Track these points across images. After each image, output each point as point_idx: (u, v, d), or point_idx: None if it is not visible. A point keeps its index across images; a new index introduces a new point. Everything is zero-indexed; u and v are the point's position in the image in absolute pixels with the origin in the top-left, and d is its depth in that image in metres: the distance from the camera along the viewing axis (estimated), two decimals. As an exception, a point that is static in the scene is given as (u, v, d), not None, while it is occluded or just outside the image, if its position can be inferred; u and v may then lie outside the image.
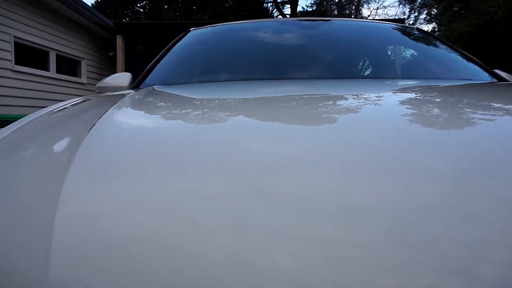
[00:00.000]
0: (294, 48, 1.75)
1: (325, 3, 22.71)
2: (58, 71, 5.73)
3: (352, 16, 21.77)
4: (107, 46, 7.05)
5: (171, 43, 1.89)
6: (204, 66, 1.72)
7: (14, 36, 4.76)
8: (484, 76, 1.41)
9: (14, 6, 4.72)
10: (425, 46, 1.76)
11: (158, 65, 1.67)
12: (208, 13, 16.77)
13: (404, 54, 1.88)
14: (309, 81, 1.31)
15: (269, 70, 1.60)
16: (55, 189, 0.40)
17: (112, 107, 0.77)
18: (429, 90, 1.03)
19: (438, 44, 1.73)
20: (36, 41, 5.22)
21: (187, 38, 1.92)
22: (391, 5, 34.27)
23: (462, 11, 9.07)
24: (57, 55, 5.72)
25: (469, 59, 1.57)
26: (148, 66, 1.69)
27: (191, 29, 2.04)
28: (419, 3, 20.43)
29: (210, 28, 2.08)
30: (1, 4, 4.50)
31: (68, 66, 6.21)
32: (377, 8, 23.54)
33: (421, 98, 0.89)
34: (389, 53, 1.81)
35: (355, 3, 22.73)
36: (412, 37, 1.84)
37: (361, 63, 1.79)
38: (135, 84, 1.54)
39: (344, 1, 22.24)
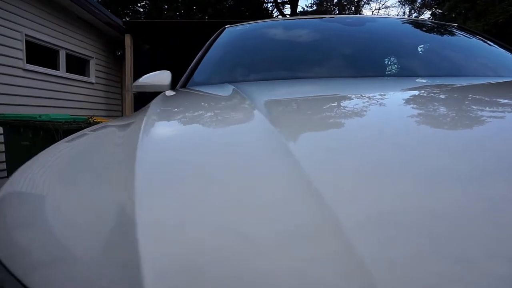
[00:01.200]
0: (344, 46, 1.70)
1: (325, 3, 22.71)
2: (67, 70, 5.63)
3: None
4: (115, 45, 6.96)
5: (210, 40, 1.83)
6: (250, 65, 1.66)
7: (26, 35, 4.66)
8: None
9: (25, 3, 4.63)
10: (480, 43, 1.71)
11: (202, 63, 1.61)
12: (209, 13, 16.70)
13: (456, 52, 1.82)
14: (364, 79, 1.25)
15: (320, 68, 1.55)
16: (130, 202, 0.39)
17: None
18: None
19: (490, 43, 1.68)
20: (46, 39, 5.12)
21: (225, 36, 1.87)
22: (392, 6, 34.37)
23: (469, 13, 9.06)
24: (66, 54, 5.62)
25: None
26: (192, 65, 1.62)
27: (226, 26, 1.99)
28: (419, 3, 20.46)
29: (248, 25, 2.03)
30: (12, 2, 4.40)
31: (77, 65, 6.12)
32: (379, 9, 23.55)
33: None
34: (440, 51, 1.74)
35: (355, 3, 22.75)
36: (459, 35, 1.79)
37: (410, 61, 1.72)
38: (182, 84, 1.48)
39: (344, 1, 22.25)
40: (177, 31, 6.62)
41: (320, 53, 1.63)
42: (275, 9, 19.55)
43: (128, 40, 6.36)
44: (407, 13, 20.65)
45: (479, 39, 1.72)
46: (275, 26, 1.98)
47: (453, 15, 9.50)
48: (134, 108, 6.42)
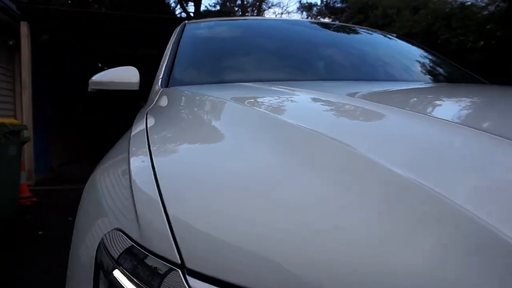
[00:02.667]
0: (313, 49, 1.77)
1: (228, 3, 23.04)
2: None
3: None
4: (6, 33, 5.97)
5: (175, 37, 1.73)
6: (229, 65, 1.63)
7: None
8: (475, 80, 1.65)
9: None
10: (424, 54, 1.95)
11: (179, 61, 1.52)
12: (106, 5, 15.48)
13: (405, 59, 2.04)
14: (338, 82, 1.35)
15: (311, 69, 1.60)
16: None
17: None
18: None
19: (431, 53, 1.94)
20: None
21: (191, 33, 1.80)
22: (293, 12, 36.59)
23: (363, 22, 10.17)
24: None
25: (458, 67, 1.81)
26: (166, 62, 1.52)
27: (186, 22, 1.92)
28: (315, 10, 22.20)
29: (212, 23, 2.01)
30: None
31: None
32: (282, 13, 24.75)
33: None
34: (392, 57, 1.93)
35: (257, 6, 23.60)
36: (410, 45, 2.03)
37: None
38: (164, 82, 1.38)
39: (247, 3, 22.87)
40: (89, 22, 5.96)
41: (303, 54, 1.68)
42: (178, 5, 19.07)
43: (24, 28, 5.53)
44: (305, 18, 22.20)
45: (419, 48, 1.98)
46: (245, 25, 2.00)
47: (350, 24, 10.58)
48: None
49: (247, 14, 23.33)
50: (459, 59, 1.91)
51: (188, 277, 0.36)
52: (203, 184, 0.48)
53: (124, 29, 5.89)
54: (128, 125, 1.02)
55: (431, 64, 1.84)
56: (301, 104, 0.86)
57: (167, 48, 1.65)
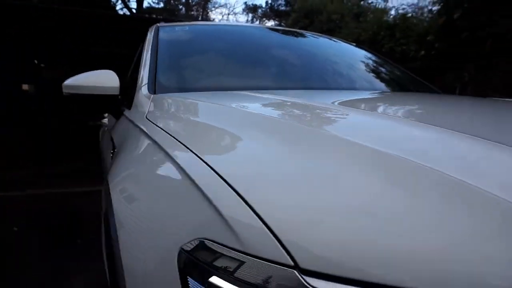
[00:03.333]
0: (279, 57, 1.85)
1: (172, 1, 22.54)
2: None
3: (200, 18, 22.29)
4: None
5: (151, 41, 1.71)
6: (216, 72, 1.65)
7: None
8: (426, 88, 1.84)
9: None
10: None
11: (162, 66, 1.50)
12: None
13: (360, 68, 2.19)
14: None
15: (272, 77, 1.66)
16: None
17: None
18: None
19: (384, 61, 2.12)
20: None
21: (169, 37, 1.79)
22: (240, 13, 36.68)
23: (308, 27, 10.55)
24: None
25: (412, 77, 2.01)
26: (148, 68, 1.48)
27: (158, 24, 1.90)
28: (260, 13, 22.53)
29: (187, 27, 2.01)
30: None
31: None
32: (228, 14, 24.71)
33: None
34: (348, 65, 2.05)
35: (202, 5, 23.35)
36: (365, 55, 2.18)
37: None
38: (151, 88, 1.35)
39: (192, 2, 22.54)
40: (21, 15, 5.50)
41: (280, 63, 1.75)
42: (120, 1, 18.24)
43: None
44: (249, 20, 22.43)
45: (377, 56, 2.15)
46: (223, 31, 2.04)
47: (296, 28, 10.93)
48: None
49: (191, 13, 22.97)
50: (402, 67, 2.12)
51: (306, 277, 0.38)
52: (278, 183, 0.49)
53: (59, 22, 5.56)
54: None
55: (393, 74, 2.01)
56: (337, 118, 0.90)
57: (144, 51, 1.63)
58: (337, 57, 1.95)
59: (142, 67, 1.49)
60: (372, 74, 1.91)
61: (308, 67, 1.79)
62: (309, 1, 10.78)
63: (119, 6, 18.46)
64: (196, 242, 0.47)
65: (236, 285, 0.41)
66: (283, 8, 20.41)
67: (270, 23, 20.08)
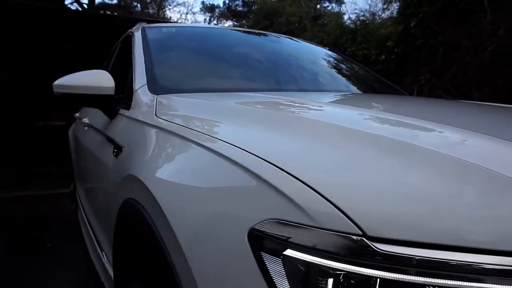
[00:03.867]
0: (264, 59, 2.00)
1: (126, -2, 21.79)
2: None
3: (154, 16, 21.78)
4: None
5: (140, 41, 1.74)
6: (210, 73, 1.73)
7: None
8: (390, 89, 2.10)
9: None
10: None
11: (158, 66, 1.54)
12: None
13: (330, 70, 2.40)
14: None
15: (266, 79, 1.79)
16: None
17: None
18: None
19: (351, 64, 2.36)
20: None
21: (159, 38, 1.85)
22: (198, 12, 36.11)
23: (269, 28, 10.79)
24: None
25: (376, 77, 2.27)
26: (143, 69, 1.51)
27: (142, 24, 1.94)
28: (218, 12, 22.46)
29: (174, 28, 2.07)
30: None
31: None
32: (187, 13, 24.32)
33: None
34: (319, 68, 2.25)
35: (158, 2, 22.84)
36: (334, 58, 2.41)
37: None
38: (151, 88, 1.39)
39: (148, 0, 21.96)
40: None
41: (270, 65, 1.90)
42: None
43: None
44: (207, 20, 22.31)
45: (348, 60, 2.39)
46: (211, 34, 2.16)
47: (257, 29, 11.14)
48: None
49: (147, 10, 22.38)
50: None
51: (373, 243, 0.46)
52: (325, 162, 0.61)
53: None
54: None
55: (368, 79, 2.24)
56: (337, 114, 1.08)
57: (134, 52, 1.65)
58: (320, 64, 2.15)
59: (136, 68, 1.53)
60: (351, 78, 2.14)
61: (296, 71, 1.95)
62: (268, 3, 11.04)
63: (68, 0, 17.55)
64: (269, 222, 0.53)
65: (312, 255, 0.49)
66: (240, 8, 20.52)
67: (228, 24, 20.13)
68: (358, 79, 2.22)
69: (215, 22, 21.86)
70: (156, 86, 1.37)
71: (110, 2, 20.08)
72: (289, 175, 0.57)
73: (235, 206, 0.63)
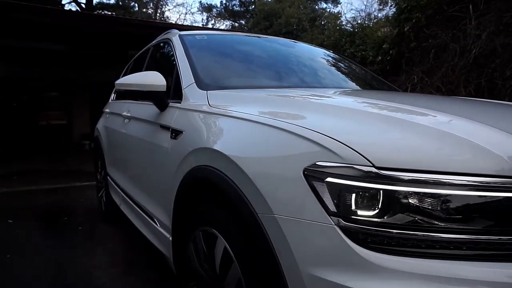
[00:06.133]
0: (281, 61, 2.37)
1: (124, -2, 22.02)
2: None
3: (153, 17, 22.04)
4: None
5: (181, 47, 2.08)
6: (241, 73, 2.11)
7: None
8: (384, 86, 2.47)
9: None
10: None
11: (201, 68, 1.88)
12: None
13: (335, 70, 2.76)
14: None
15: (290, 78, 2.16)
16: None
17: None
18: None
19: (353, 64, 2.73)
20: None
21: (198, 44, 2.22)
22: (197, 12, 36.36)
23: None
24: None
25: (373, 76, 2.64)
26: (188, 71, 1.87)
27: (180, 33, 2.28)
28: (215, 12, 22.72)
29: (206, 36, 2.41)
30: None
31: None
32: (186, 13, 24.56)
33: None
34: (325, 67, 2.61)
35: (155, 2, 23.09)
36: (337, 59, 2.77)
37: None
38: (202, 86, 1.74)
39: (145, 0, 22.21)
40: None
41: (285, 66, 2.27)
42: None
43: None
44: (205, 20, 22.58)
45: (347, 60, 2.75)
46: (243, 41, 2.55)
47: (256, 30, 11.47)
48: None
49: (145, 10, 22.59)
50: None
51: (380, 170, 0.82)
52: (347, 127, 1.01)
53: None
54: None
55: (368, 77, 2.61)
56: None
57: (177, 56, 2.01)
58: (328, 65, 2.53)
59: (181, 69, 1.89)
60: (358, 78, 2.51)
61: (309, 71, 2.32)
62: (268, 4, 11.42)
63: (66, 0, 17.76)
64: (315, 164, 0.89)
65: (340, 179, 0.84)
66: (237, 8, 20.81)
67: (226, 24, 20.44)
68: (359, 78, 2.59)
69: (212, 22, 22.15)
70: (203, 84, 1.73)
71: (108, 1, 20.31)
72: (324, 135, 0.93)
73: (292, 157, 0.98)
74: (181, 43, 2.10)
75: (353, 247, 0.83)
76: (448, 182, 0.81)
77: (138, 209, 2.18)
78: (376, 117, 1.08)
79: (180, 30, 2.38)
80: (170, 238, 1.62)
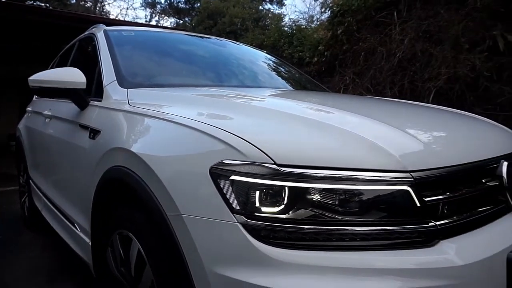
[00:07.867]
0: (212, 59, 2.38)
1: (59, -11, 20.63)
2: None
3: (92, 9, 20.92)
4: None
5: (105, 42, 2.01)
6: (166, 72, 2.08)
7: None
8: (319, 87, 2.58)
9: None
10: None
11: (121, 66, 1.82)
12: None
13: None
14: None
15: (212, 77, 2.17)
16: None
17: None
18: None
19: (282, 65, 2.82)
20: None
21: (123, 40, 2.15)
22: (139, 8, 34.96)
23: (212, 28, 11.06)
24: None
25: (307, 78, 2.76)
26: (111, 66, 1.81)
27: (105, 28, 2.21)
28: (159, 9, 22.11)
29: (133, 32, 2.35)
30: None
31: None
32: (127, 8, 23.56)
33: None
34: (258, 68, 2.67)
35: (95, -3, 21.92)
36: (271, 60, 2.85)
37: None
38: (121, 82, 1.70)
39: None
40: None
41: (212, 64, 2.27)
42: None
43: None
44: (148, 16, 21.89)
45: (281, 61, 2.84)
46: (170, 38, 2.50)
47: (200, 28, 11.36)
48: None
49: (82, 3, 21.36)
50: (300, 70, 2.86)
51: (280, 168, 0.85)
52: (252, 126, 1.04)
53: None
54: None
55: (300, 78, 2.69)
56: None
57: (100, 51, 1.93)
58: (261, 65, 2.57)
59: (104, 66, 1.82)
60: (287, 78, 2.58)
61: (239, 71, 2.34)
62: (213, 3, 11.34)
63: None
64: (221, 162, 0.90)
65: (243, 176, 0.86)
66: (182, 5, 20.42)
67: (171, 21, 19.97)
68: (288, 78, 2.66)
69: (156, 18, 21.51)
70: (124, 82, 1.67)
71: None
72: (230, 134, 0.94)
73: (200, 156, 0.98)
74: (105, 39, 2.01)
75: (254, 244, 0.84)
76: (346, 177, 0.86)
77: (59, 214, 2.06)
78: (290, 116, 1.12)
79: (119, 26, 2.28)
80: (90, 243, 1.55)
